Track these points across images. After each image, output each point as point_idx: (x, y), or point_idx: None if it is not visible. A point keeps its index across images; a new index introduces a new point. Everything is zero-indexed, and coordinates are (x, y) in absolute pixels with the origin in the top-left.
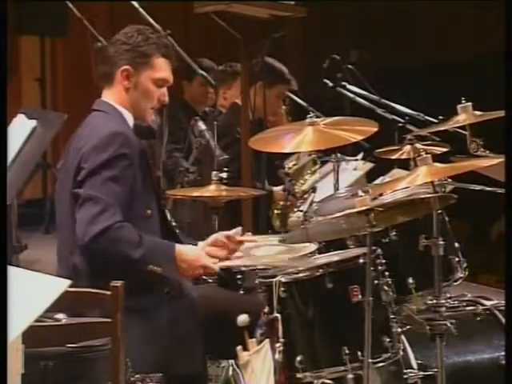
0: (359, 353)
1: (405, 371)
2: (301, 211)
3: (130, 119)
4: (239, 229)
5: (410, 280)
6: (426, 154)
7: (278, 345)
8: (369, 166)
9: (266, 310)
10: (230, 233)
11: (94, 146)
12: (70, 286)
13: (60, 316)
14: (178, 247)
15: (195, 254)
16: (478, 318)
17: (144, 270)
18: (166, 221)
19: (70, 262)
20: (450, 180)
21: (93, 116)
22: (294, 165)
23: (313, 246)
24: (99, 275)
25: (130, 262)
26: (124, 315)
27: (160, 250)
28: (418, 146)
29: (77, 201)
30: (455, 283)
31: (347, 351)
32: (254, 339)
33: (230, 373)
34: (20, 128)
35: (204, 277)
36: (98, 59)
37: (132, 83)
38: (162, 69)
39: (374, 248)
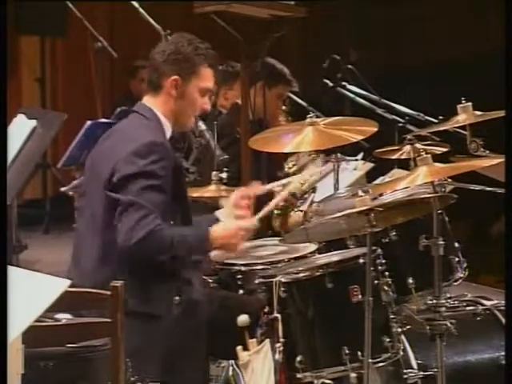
0: (359, 353)
1: (405, 371)
2: (301, 211)
3: (169, 130)
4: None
5: (410, 280)
6: (426, 154)
7: (278, 345)
8: (369, 165)
9: (266, 309)
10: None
11: (134, 152)
12: (74, 286)
13: (60, 316)
14: (213, 230)
15: (225, 225)
16: (478, 318)
17: (188, 264)
18: None
19: (87, 258)
20: (450, 180)
21: (131, 118)
22: (294, 165)
23: (313, 246)
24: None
25: (173, 261)
26: (133, 319)
27: (194, 240)
28: (417, 145)
29: (114, 204)
30: (455, 283)
31: (347, 351)
32: (254, 339)
33: (230, 373)
34: (20, 128)
35: (204, 277)
36: (148, 67)
37: (179, 92)
38: (208, 78)
39: (374, 248)
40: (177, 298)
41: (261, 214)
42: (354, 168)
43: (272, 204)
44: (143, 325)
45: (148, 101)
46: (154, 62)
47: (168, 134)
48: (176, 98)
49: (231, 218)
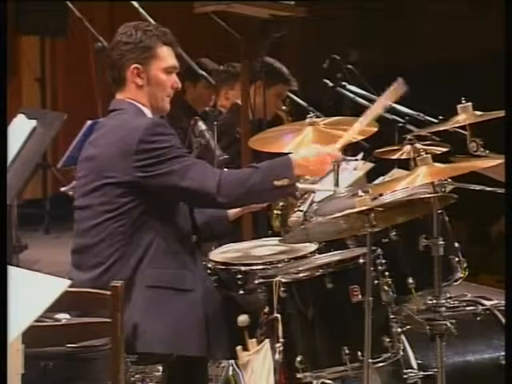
0: (359, 353)
1: (405, 371)
2: (301, 211)
3: (149, 115)
4: None
5: (410, 280)
6: (426, 153)
7: (278, 345)
8: (369, 165)
9: (266, 310)
10: None
11: (141, 139)
12: (75, 286)
13: (60, 316)
14: (294, 156)
15: (313, 150)
16: (478, 318)
17: (273, 189)
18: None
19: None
20: (449, 180)
21: (115, 115)
22: None
23: (313, 246)
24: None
25: (260, 189)
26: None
27: (277, 164)
28: (417, 146)
29: (121, 202)
30: (455, 283)
31: (347, 351)
32: (253, 339)
33: (230, 373)
34: (20, 128)
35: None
36: (105, 66)
37: (144, 79)
38: (168, 57)
39: (374, 248)
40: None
41: (341, 142)
42: (354, 168)
43: (351, 132)
44: (176, 299)
45: (119, 96)
46: (110, 60)
47: None
48: (143, 86)
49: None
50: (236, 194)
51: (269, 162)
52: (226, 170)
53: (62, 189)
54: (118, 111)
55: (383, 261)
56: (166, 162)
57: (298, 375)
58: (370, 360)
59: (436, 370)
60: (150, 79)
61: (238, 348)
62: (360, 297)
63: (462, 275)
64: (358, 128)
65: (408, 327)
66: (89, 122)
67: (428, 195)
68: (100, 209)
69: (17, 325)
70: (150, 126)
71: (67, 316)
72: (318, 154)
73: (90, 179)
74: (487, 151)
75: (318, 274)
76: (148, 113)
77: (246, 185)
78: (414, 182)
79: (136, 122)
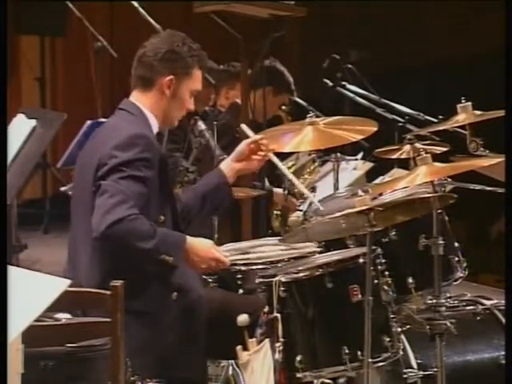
0: (359, 352)
1: (405, 371)
2: (301, 211)
3: (155, 125)
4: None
5: (410, 280)
6: (426, 153)
7: (277, 345)
8: (368, 165)
9: (266, 309)
10: (252, 138)
11: (117, 145)
12: (73, 286)
13: (60, 316)
14: (190, 239)
15: (207, 246)
16: (478, 318)
17: (156, 259)
18: (178, 227)
19: (82, 258)
20: (449, 179)
21: (118, 114)
22: (293, 165)
23: (313, 246)
24: (112, 269)
25: (143, 252)
26: (128, 317)
27: (171, 240)
28: (417, 145)
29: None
30: (455, 283)
31: (347, 351)
32: (254, 339)
33: (230, 372)
34: (20, 128)
35: (204, 276)
36: (136, 62)
37: (172, 92)
38: (199, 80)
39: (373, 248)
40: (174, 294)
41: (235, 258)
42: (354, 168)
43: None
44: (135, 322)
45: (135, 97)
46: (148, 59)
47: (154, 128)
48: (168, 98)
49: (232, 168)
50: (119, 242)
51: (165, 234)
52: (138, 220)
53: (62, 188)
54: (124, 112)
55: (383, 260)
56: (108, 177)
57: (298, 375)
58: (370, 360)
59: (436, 369)
60: (177, 95)
61: (238, 348)
62: (360, 296)
63: (462, 275)
64: None
65: (408, 327)
66: (88, 122)
67: (428, 195)
68: (83, 210)
69: (17, 325)
70: (121, 140)
71: (67, 316)
72: (208, 249)
73: (77, 180)
74: (487, 151)
75: (317, 273)
76: (154, 122)
77: (134, 243)
78: (414, 181)
79: (119, 130)
